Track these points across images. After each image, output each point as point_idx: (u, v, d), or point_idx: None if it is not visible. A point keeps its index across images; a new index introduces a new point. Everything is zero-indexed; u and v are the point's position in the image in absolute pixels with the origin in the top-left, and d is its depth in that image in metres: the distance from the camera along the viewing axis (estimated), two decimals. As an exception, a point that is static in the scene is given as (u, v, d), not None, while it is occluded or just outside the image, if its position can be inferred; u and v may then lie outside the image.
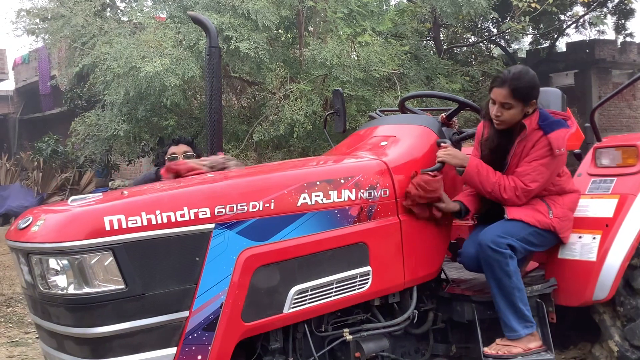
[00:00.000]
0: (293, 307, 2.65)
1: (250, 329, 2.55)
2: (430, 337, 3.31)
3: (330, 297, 2.78)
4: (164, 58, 7.79)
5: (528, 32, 16.18)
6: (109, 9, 10.52)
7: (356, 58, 8.60)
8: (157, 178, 3.67)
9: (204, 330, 2.42)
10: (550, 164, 3.10)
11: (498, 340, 3.13)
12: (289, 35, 10.29)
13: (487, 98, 3.23)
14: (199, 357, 2.41)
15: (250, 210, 2.56)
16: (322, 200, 2.76)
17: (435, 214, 3.05)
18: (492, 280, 3.07)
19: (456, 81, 10.08)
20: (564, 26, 17.34)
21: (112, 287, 2.28)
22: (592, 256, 3.27)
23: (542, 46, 18.01)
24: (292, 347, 2.80)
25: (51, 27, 9.55)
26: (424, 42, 12.60)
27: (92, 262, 2.26)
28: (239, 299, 2.49)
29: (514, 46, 18.64)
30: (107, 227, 2.26)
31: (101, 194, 2.61)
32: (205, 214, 2.45)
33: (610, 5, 16.88)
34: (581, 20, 17.27)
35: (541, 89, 3.24)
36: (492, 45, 16.47)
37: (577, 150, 3.97)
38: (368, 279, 2.89)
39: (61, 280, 2.29)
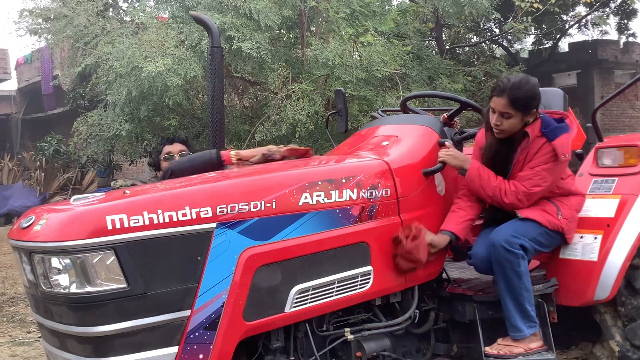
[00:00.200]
0: (294, 307, 2.65)
1: (252, 328, 2.56)
2: (431, 337, 3.31)
3: (332, 296, 2.78)
4: (166, 58, 7.82)
5: (530, 32, 16.19)
6: (111, 9, 10.55)
7: (358, 58, 8.62)
8: (218, 162, 3.34)
9: (206, 329, 2.42)
10: (554, 169, 3.09)
11: (499, 340, 3.13)
12: (291, 35, 10.30)
13: (489, 100, 3.22)
14: (201, 356, 2.42)
15: (252, 209, 2.56)
16: (323, 199, 2.77)
17: (429, 259, 3.01)
18: (501, 279, 3.07)
19: (458, 81, 10.09)
20: (567, 26, 17.36)
21: (114, 286, 2.29)
22: (594, 256, 3.27)
23: (545, 46, 18.03)
24: (293, 347, 2.80)
25: (54, 27, 9.59)
26: (426, 42, 12.61)
27: (94, 261, 2.26)
28: (241, 298, 2.50)
29: (517, 46, 18.66)
30: (109, 227, 2.27)
31: (103, 193, 2.62)
32: (207, 213, 2.46)
33: (612, 5, 16.89)
34: (584, 20, 17.29)
35: (542, 89, 3.24)
36: (494, 45, 16.48)
37: (579, 151, 3.96)
38: (369, 278, 2.90)
39: (63, 279, 2.30)
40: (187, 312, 2.40)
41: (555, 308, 3.31)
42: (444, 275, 3.40)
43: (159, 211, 2.36)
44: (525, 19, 11.26)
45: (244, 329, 2.52)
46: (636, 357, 3.40)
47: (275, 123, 8.26)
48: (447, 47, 12.89)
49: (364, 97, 8.45)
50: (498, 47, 16.94)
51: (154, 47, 8.07)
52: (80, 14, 9.10)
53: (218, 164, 3.33)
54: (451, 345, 3.36)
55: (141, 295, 2.32)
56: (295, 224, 2.68)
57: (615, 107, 19.26)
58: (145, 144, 9.81)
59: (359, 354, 2.91)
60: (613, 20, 17.67)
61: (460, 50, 14.07)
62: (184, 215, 2.40)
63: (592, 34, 18.43)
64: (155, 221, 2.34)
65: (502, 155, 3.19)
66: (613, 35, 18.86)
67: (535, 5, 10.81)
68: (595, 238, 3.30)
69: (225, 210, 2.50)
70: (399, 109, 4.01)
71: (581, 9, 16.19)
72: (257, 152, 3.36)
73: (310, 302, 2.71)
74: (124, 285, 2.29)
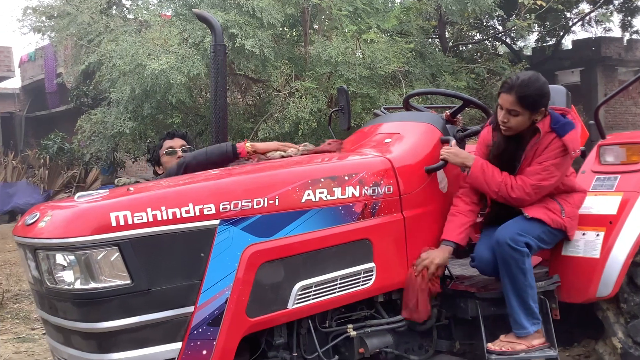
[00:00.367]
0: (297, 303, 2.67)
1: (255, 325, 2.57)
2: (433, 334, 3.31)
3: (334, 293, 2.80)
4: (170, 56, 7.82)
5: (534, 30, 16.15)
6: (114, 7, 10.56)
7: (361, 56, 8.60)
8: (234, 155, 3.37)
9: (209, 325, 2.44)
10: (563, 164, 3.09)
11: (502, 337, 3.14)
12: (294, 33, 10.30)
13: (492, 96, 3.22)
14: (204, 352, 2.43)
15: (255, 206, 2.58)
16: (326, 196, 2.78)
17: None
18: (506, 277, 3.07)
19: (461, 79, 10.06)
20: (570, 24, 17.32)
21: (118, 282, 2.30)
22: (596, 253, 3.28)
23: (548, 44, 17.99)
24: (296, 343, 2.81)
25: (57, 24, 9.60)
26: (429, 39, 12.59)
27: (99, 258, 2.28)
28: (244, 295, 2.51)
29: (520, 44, 18.61)
30: (113, 223, 2.28)
31: (107, 190, 2.63)
32: (210, 210, 2.47)
33: (616, 2, 16.84)
34: (587, 17, 17.24)
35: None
36: (497, 42, 16.44)
37: (581, 148, 3.96)
38: (372, 275, 2.91)
39: (68, 276, 2.31)
40: (191, 309, 2.41)
41: (558, 305, 3.31)
42: (447, 273, 3.40)
43: (163, 208, 2.37)
44: (528, 16, 11.23)
45: (247, 325, 2.54)
46: (638, 354, 3.40)
47: (278, 121, 8.26)
48: (450, 44, 12.86)
49: (366, 94, 8.44)
50: (501, 44, 16.90)
51: (157, 45, 8.07)
52: (84, 12, 9.11)
53: (234, 157, 3.34)
54: (454, 342, 3.37)
55: (145, 291, 2.33)
56: (298, 220, 2.69)
57: (618, 104, 19.24)
58: (148, 141, 9.80)
59: (361, 350, 2.93)
60: (617, 18, 17.63)
61: (464, 47, 14.04)
62: (187, 212, 2.42)
63: (595, 31, 18.40)
64: (159, 218, 2.35)
65: (509, 153, 3.18)
66: (617, 32, 18.84)
67: (539, 2, 10.78)
68: (598, 235, 3.31)
69: (228, 207, 2.51)
70: (402, 106, 4.02)
71: (585, 6, 16.17)
72: (273, 146, 3.39)
73: (313, 299, 2.72)
74: (128, 282, 2.31)
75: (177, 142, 3.81)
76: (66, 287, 2.33)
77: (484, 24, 15.90)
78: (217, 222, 2.48)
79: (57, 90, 20.74)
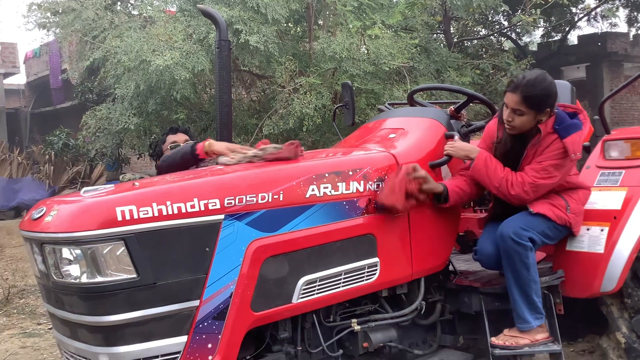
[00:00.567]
0: (302, 298, 2.68)
1: (260, 319, 2.58)
2: (437, 328, 3.33)
3: (339, 287, 2.81)
4: (174, 52, 7.83)
5: (539, 25, 16.12)
6: (119, 3, 10.58)
7: (366, 51, 8.60)
8: (192, 156, 3.25)
9: (214, 319, 2.45)
10: (563, 166, 3.08)
11: (506, 331, 3.15)
12: (298, 29, 10.29)
13: (497, 92, 3.21)
14: (209, 345, 2.45)
15: (260, 201, 2.59)
16: (330, 191, 2.79)
17: (420, 197, 2.97)
18: (509, 271, 3.08)
19: (466, 74, 10.04)
20: (576, 19, 17.25)
21: (124, 276, 2.31)
22: (600, 248, 3.28)
23: (554, 39, 17.93)
24: (300, 337, 2.83)
25: (62, 21, 9.62)
26: (434, 35, 12.57)
27: (105, 252, 2.29)
28: (249, 289, 2.52)
29: (525, 39, 18.57)
30: (119, 218, 2.29)
31: (113, 185, 2.64)
32: (215, 205, 2.48)
33: (622, -3, 16.77)
34: (593, 12, 17.18)
35: (550, 81, 3.22)
36: (503, 38, 16.40)
37: (586, 143, 3.96)
38: (376, 270, 2.92)
39: (74, 270, 2.33)
40: (196, 302, 2.43)
41: (562, 300, 3.32)
42: (451, 268, 3.42)
43: (168, 203, 2.38)
44: (534, 12, 11.19)
45: (252, 319, 2.55)
46: (642, 348, 3.41)
47: (283, 116, 8.27)
48: (455, 40, 12.84)
49: (371, 90, 8.44)
50: (507, 40, 16.86)
51: (162, 41, 8.09)
52: (89, 8, 9.13)
53: (192, 157, 3.23)
54: (457, 337, 3.39)
55: (151, 285, 2.35)
56: (303, 215, 2.70)
57: (624, 100, 19.16)
58: (153, 137, 9.83)
59: (365, 344, 2.94)
60: (623, 13, 17.59)
61: (469, 43, 14.00)
62: (193, 206, 2.43)
63: (601, 26, 18.35)
64: (164, 212, 2.37)
65: (515, 152, 3.18)
66: (623, 27, 18.78)
67: (544, -3, 10.76)
68: (602, 230, 3.31)
69: (233, 202, 2.52)
70: (406, 102, 4.02)
71: (590, 1, 16.11)
72: (223, 147, 3.12)
73: (317, 293, 2.73)
74: (134, 276, 2.32)
75: (180, 137, 3.81)
76: (72, 281, 2.34)
77: (489, 19, 15.86)
78: (221, 216, 2.49)
79: (62, 86, 20.78)
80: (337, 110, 5.16)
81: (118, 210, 2.30)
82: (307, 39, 9.35)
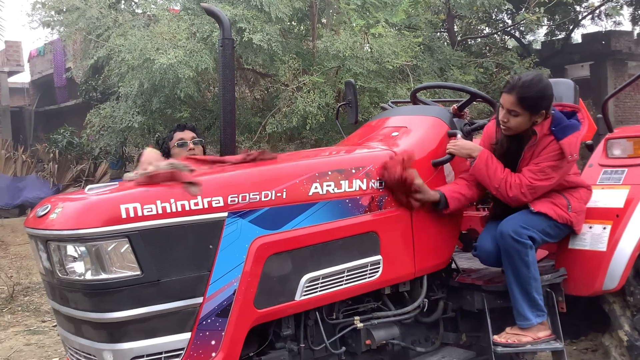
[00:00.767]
0: (304, 295, 2.69)
1: (263, 316, 2.59)
2: (440, 326, 3.34)
3: (342, 285, 2.82)
4: (178, 50, 7.85)
5: (543, 24, 16.08)
6: (123, 1, 10.60)
7: (369, 50, 8.61)
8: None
9: (218, 316, 2.46)
10: (560, 167, 3.08)
11: (508, 329, 3.15)
12: (302, 27, 10.30)
13: (501, 90, 3.21)
14: (213, 342, 2.46)
15: (263, 199, 2.60)
16: (333, 189, 2.80)
17: (413, 204, 2.98)
18: (509, 269, 3.09)
19: (470, 73, 10.05)
20: (580, 17, 17.22)
21: (128, 273, 2.33)
22: (603, 246, 3.28)
23: (558, 37, 17.90)
24: (303, 334, 2.84)
25: (66, 19, 9.64)
26: (438, 33, 12.57)
27: (109, 249, 2.30)
28: (252, 286, 2.53)
29: (529, 37, 18.54)
30: (124, 215, 2.30)
31: (117, 183, 2.66)
32: (219, 202, 2.49)
33: (626, -5, 16.72)
34: (597, 11, 17.14)
35: (553, 80, 3.23)
36: (506, 36, 16.38)
37: (589, 142, 3.97)
38: (379, 267, 2.93)
39: (79, 267, 2.34)
40: (200, 300, 2.44)
41: (564, 298, 3.33)
42: (453, 265, 3.43)
43: (172, 200, 2.39)
44: (537, 10, 11.18)
45: (255, 316, 2.56)
46: (644, 346, 3.41)
47: (286, 115, 8.28)
48: (459, 38, 12.83)
49: (374, 89, 8.44)
50: (510, 38, 16.84)
51: (166, 40, 8.11)
52: (93, 7, 9.15)
53: None
54: (460, 334, 3.39)
55: (155, 282, 2.36)
56: (306, 213, 2.71)
57: (628, 99, 19.11)
58: (157, 135, 9.86)
59: (368, 342, 2.95)
60: (627, 11, 17.56)
61: (472, 41, 13.99)
62: (196, 204, 2.44)
63: (605, 24, 18.30)
64: (168, 210, 2.38)
65: (512, 153, 3.19)
66: (627, 26, 18.79)
67: (548, -5, 10.75)
68: (604, 228, 3.31)
69: (236, 199, 2.53)
70: (409, 100, 4.03)
71: (594, 0, 16.05)
72: (149, 160, 2.86)
73: (320, 291, 2.74)
74: (138, 273, 2.33)
75: (187, 134, 3.83)
76: (77, 277, 2.35)
77: (493, 17, 15.85)
78: (225, 214, 2.50)
79: (66, 84, 20.86)
80: (340, 108, 5.16)
81: (122, 207, 2.32)
82: (311, 38, 9.36)
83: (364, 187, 2.90)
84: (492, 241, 3.16)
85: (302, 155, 3.14)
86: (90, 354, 2.48)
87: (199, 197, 2.45)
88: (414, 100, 3.88)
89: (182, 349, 2.42)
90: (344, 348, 2.95)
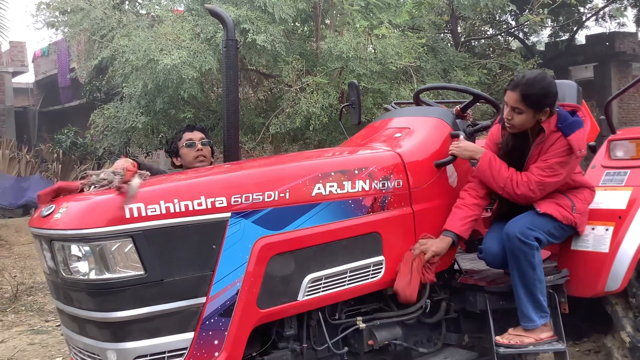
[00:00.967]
0: (307, 295, 2.70)
1: (266, 316, 2.61)
2: (442, 327, 3.34)
3: (344, 285, 2.83)
4: (182, 51, 7.86)
5: (547, 25, 16.05)
6: (127, 2, 10.60)
7: (373, 51, 8.60)
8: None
9: (221, 316, 2.48)
10: (568, 163, 3.09)
11: (510, 330, 3.16)
12: (305, 28, 10.30)
13: (504, 92, 3.22)
14: (216, 342, 2.47)
15: (266, 199, 2.61)
16: (336, 190, 2.81)
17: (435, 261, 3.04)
18: (515, 270, 3.09)
19: (473, 74, 10.03)
20: (584, 18, 17.19)
21: (132, 273, 2.34)
22: (605, 248, 3.29)
23: (561, 39, 17.86)
24: (306, 334, 2.85)
25: (70, 20, 9.66)
26: (441, 34, 12.56)
27: (113, 249, 2.32)
28: (255, 286, 2.55)
29: (533, 39, 18.51)
30: (127, 215, 2.32)
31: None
32: (222, 203, 2.50)
33: (630, -3, 16.69)
34: (601, 12, 17.11)
35: (557, 81, 3.23)
36: (510, 37, 16.36)
37: (592, 143, 3.97)
38: (381, 268, 2.94)
39: (83, 266, 2.35)
40: (203, 299, 2.45)
41: (567, 299, 3.33)
42: (456, 266, 3.43)
43: (175, 200, 2.41)
44: (541, 11, 11.16)
45: (258, 316, 2.58)
46: (647, 348, 3.41)
47: (290, 116, 8.28)
48: (463, 39, 12.82)
49: (378, 90, 8.44)
50: (514, 39, 16.82)
51: (170, 40, 8.12)
52: (97, 7, 9.16)
53: None
54: (462, 335, 3.40)
55: (158, 282, 2.37)
56: (309, 214, 2.72)
57: (632, 100, 19.07)
58: (160, 136, 9.87)
59: (370, 342, 2.96)
60: (631, 12, 17.50)
61: (476, 42, 13.97)
62: (200, 204, 2.45)
63: (609, 26, 18.25)
64: (172, 210, 2.39)
65: (518, 151, 3.20)
66: (631, 27, 18.68)
67: (552, -3, 10.73)
68: (607, 230, 3.32)
69: (239, 200, 2.54)
70: (413, 101, 4.03)
71: (598, 1, 16.04)
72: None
73: (322, 291, 2.75)
74: (142, 273, 2.35)
75: (196, 135, 3.85)
76: (81, 277, 2.37)
77: (497, 18, 15.82)
78: (228, 214, 2.51)
79: (70, 85, 20.90)
80: (343, 109, 5.18)
81: (126, 207, 2.33)
82: (314, 39, 9.36)
83: (366, 187, 2.91)
84: (498, 243, 3.17)
85: (305, 155, 3.15)
86: (93, 353, 2.49)
87: (202, 197, 2.46)
88: (417, 102, 3.89)
89: (185, 349, 2.44)
90: (346, 348, 2.96)
